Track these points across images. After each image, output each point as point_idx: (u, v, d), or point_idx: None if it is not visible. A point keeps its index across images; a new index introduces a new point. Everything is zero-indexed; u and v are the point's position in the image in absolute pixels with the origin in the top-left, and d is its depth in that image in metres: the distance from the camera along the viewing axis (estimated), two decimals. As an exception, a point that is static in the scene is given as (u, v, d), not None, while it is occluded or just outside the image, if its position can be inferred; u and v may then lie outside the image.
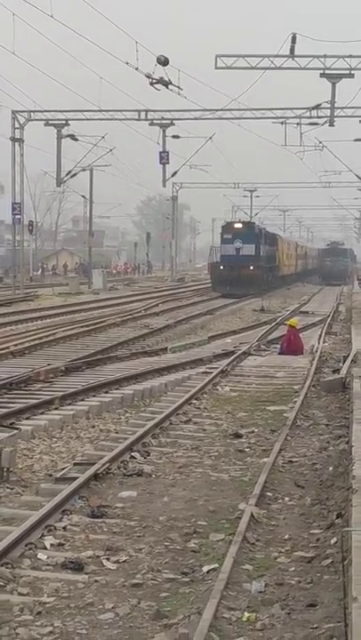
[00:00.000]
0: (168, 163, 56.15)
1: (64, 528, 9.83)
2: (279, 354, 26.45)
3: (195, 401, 18.02)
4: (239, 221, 66.75)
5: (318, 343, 28.17)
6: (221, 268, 60.23)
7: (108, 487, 11.59)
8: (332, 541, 9.17)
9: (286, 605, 7.73)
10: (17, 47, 42.02)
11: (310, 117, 49.17)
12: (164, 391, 19.43)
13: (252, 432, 15.32)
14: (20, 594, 8.02)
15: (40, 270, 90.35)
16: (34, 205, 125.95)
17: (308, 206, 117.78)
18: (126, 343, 27.97)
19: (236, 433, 15.11)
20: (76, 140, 56.07)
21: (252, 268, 59.05)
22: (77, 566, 8.71)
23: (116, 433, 15.01)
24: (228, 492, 11.47)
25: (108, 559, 8.96)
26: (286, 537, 9.69)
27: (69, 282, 65.62)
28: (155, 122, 52.80)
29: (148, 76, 40.15)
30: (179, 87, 42.15)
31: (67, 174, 57.74)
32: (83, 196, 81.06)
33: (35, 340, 28.04)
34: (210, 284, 63.41)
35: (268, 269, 64.82)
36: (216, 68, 42.23)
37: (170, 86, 41.28)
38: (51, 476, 12.08)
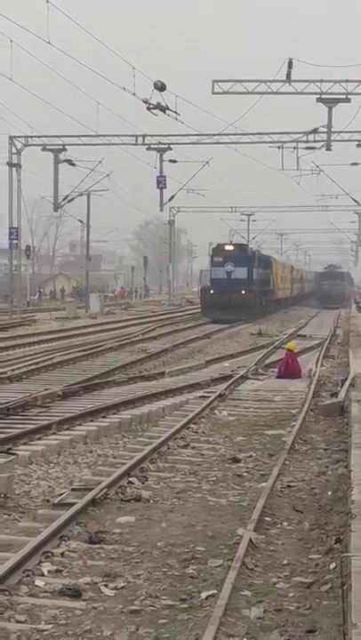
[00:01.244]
0: (165, 187, 56.24)
1: (62, 554, 9.78)
2: (277, 378, 26.43)
3: (193, 425, 17.98)
4: (230, 243, 64.45)
5: (316, 367, 28.16)
6: (212, 292, 58.04)
7: (105, 513, 11.54)
8: (332, 566, 9.13)
9: (285, 631, 7.68)
10: (14, 73, 42.27)
11: (307, 142, 49.46)
12: (161, 415, 19.40)
13: (251, 456, 15.28)
14: (18, 621, 7.96)
15: (37, 295, 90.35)
16: (31, 230, 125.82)
17: (305, 230, 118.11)
18: (124, 367, 27.95)
19: (235, 457, 15.07)
20: (74, 164, 56.30)
21: (243, 292, 57.01)
22: (75, 593, 8.66)
23: (114, 458, 14.96)
24: (226, 518, 11.43)
25: (106, 585, 8.91)
26: (285, 562, 9.64)
27: (66, 306, 65.67)
28: (152, 146, 53.02)
29: (146, 102, 40.38)
30: (176, 112, 42.44)
31: (64, 199, 57.95)
32: (80, 221, 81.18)
33: (32, 364, 28.01)
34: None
35: (261, 293, 62.80)
36: (213, 93, 42.52)
37: (167, 111, 41.53)
38: (48, 501, 12.02)
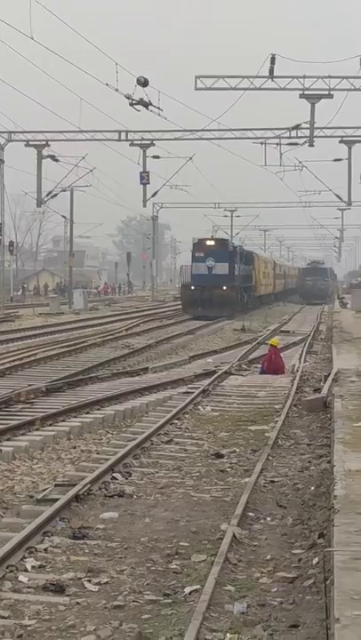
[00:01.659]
0: (149, 183, 56.07)
1: (45, 550, 9.78)
2: (260, 373, 26.47)
3: (176, 421, 18.00)
4: (211, 238, 61.95)
5: (299, 362, 28.22)
6: (192, 288, 56.78)
7: (89, 508, 11.54)
8: (315, 562, 9.16)
9: (269, 626, 7.70)
10: (-3, 68, 42.09)
11: (290, 137, 49.41)
12: (145, 411, 19.40)
13: (234, 452, 15.30)
14: (1, 617, 7.96)
15: (21, 290, 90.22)
16: (14, 226, 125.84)
17: (288, 226, 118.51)
18: (107, 363, 27.94)
19: (218, 453, 15.09)
20: (57, 160, 56.17)
21: (225, 288, 55.72)
22: (59, 588, 8.66)
23: (98, 454, 14.96)
24: (209, 513, 11.44)
25: (89, 581, 8.91)
26: (268, 557, 9.66)
27: (50, 302, 65.59)
28: (135, 142, 52.89)
29: (128, 97, 40.28)
30: (159, 108, 42.36)
31: (47, 195, 57.83)
32: (63, 217, 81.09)
33: (15, 360, 27.97)
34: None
35: (243, 289, 61.79)
36: (196, 88, 42.49)
37: (150, 107, 41.46)
38: (32, 497, 12.02)
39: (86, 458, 14.68)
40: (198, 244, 59.39)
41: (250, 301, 65.59)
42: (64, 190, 62.54)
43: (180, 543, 10.12)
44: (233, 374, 25.95)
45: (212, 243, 59.58)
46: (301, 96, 42.54)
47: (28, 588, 8.69)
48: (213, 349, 34.55)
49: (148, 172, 54.50)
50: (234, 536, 10.00)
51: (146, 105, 41.00)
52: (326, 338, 40.14)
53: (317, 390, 21.25)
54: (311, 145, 45.92)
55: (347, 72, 42.63)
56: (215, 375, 24.44)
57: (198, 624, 7.47)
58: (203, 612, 7.73)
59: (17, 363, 27.28)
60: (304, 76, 42.10)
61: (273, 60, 39.92)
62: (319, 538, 9.79)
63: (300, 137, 48.15)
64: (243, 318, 52.05)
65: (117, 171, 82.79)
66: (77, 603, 8.35)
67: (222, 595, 8.41)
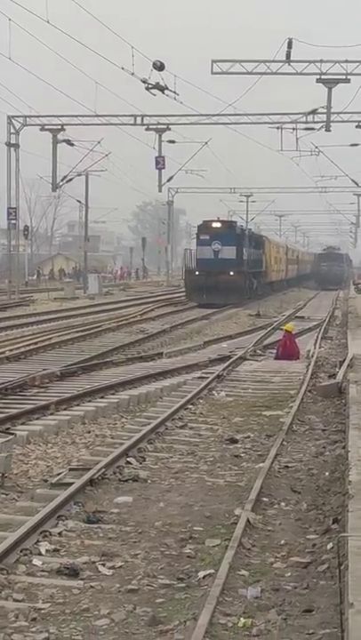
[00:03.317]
0: (164, 168, 55.86)
1: (59, 534, 9.80)
2: (275, 359, 26.44)
3: (190, 406, 18.00)
4: (218, 220, 56.62)
5: (314, 348, 28.17)
6: (197, 273, 52.77)
7: (103, 493, 11.56)
8: (329, 547, 9.15)
9: (282, 611, 7.70)
10: (13, 52, 42.05)
11: (306, 122, 49.24)
12: (159, 396, 19.41)
13: (248, 437, 15.30)
14: (16, 600, 7.99)
15: (36, 275, 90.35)
16: (29, 210, 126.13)
17: (304, 211, 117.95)
18: (122, 348, 27.95)
19: (232, 438, 15.08)
20: (72, 145, 56.07)
21: (232, 273, 51.87)
22: (73, 572, 8.68)
23: (112, 438, 14.98)
24: (223, 498, 11.45)
25: (103, 565, 8.93)
26: (282, 542, 9.66)
27: (65, 287, 65.61)
28: (151, 127, 52.74)
29: (144, 81, 40.19)
30: (175, 92, 42.24)
31: (62, 179, 57.71)
32: (78, 201, 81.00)
33: (30, 344, 28.01)
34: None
35: (252, 275, 58.05)
36: (212, 73, 42.30)
37: (166, 91, 41.36)
38: (46, 481, 12.04)
39: (101, 442, 14.70)
40: (203, 226, 55.37)
41: (260, 288, 61.76)
42: (79, 175, 62.42)
43: (194, 528, 10.13)
44: (248, 359, 25.93)
45: (218, 224, 55.23)
46: (318, 81, 42.30)
47: (43, 571, 8.72)
48: (228, 335, 34.51)
49: (163, 157, 54.33)
50: (248, 521, 10.00)
51: (162, 89, 40.90)
52: (341, 323, 40.04)
53: (332, 376, 21.21)
54: (328, 130, 45.71)
55: (364, 56, 42.37)
56: (230, 360, 24.43)
57: (212, 608, 7.48)
58: (217, 597, 7.73)
59: (32, 347, 27.31)
60: (321, 61, 41.87)
61: (290, 44, 39.70)
62: (334, 523, 9.79)
63: (317, 122, 47.99)
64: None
65: (133, 155, 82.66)
66: (91, 586, 8.37)
67: (236, 579, 8.42)
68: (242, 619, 7.52)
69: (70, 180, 59.17)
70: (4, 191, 57.22)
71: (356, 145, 55.51)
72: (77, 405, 17.40)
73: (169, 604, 8.00)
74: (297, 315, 46.17)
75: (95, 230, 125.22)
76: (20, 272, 62.42)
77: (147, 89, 40.61)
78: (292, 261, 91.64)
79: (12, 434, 14.34)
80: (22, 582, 8.37)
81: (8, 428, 14.77)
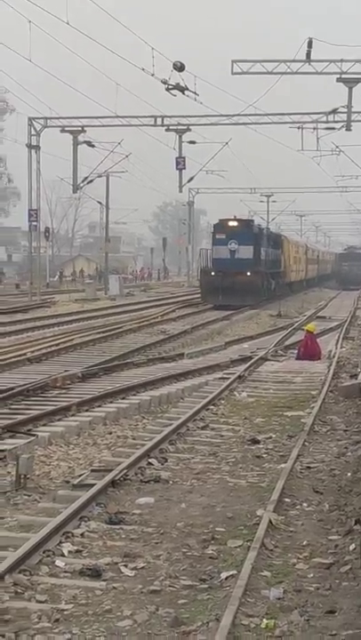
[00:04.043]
0: (184, 168, 55.83)
1: (82, 535, 9.82)
2: (296, 359, 26.39)
3: (212, 407, 17.99)
4: (234, 218, 54.29)
5: (336, 348, 28.10)
6: (213, 274, 51.15)
7: (125, 494, 11.57)
8: (351, 548, 9.14)
9: (305, 612, 7.69)
10: (33, 54, 42.21)
11: (327, 122, 49.17)
12: (180, 397, 19.41)
13: (270, 438, 15.27)
14: (38, 601, 8.01)
15: (58, 276, 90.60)
16: (50, 212, 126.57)
17: (325, 211, 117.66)
18: (143, 349, 27.96)
19: (254, 439, 15.07)
20: (93, 146, 56.21)
21: (249, 274, 50.34)
22: (95, 573, 8.69)
23: (133, 439, 14.99)
24: (245, 499, 11.44)
25: (125, 566, 8.94)
26: (305, 543, 9.65)
27: (86, 288, 65.71)
28: (171, 127, 52.75)
29: (165, 82, 40.27)
30: (195, 93, 42.27)
31: (83, 180, 57.80)
32: (99, 202, 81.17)
33: (51, 346, 28.08)
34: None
35: (269, 275, 56.53)
36: (232, 73, 42.31)
37: (186, 92, 41.41)
38: (68, 482, 12.06)
39: (122, 443, 14.71)
40: (219, 225, 53.74)
41: (278, 289, 59.66)
42: (100, 176, 62.53)
43: (217, 529, 10.12)
44: (269, 360, 25.89)
45: (234, 223, 53.10)
46: (339, 80, 42.25)
47: (65, 572, 8.74)
48: (249, 335, 34.46)
49: (183, 158, 54.33)
50: (270, 522, 9.99)
51: (182, 90, 40.96)
52: (363, 323, 39.97)
53: (354, 376, 21.17)
54: (348, 129, 45.70)
55: (385, 56, 42.29)
56: (251, 361, 24.40)
57: (235, 609, 7.47)
58: (239, 598, 7.73)
59: (53, 349, 27.37)
60: (341, 60, 41.82)
61: (310, 43, 39.71)
62: (356, 524, 9.77)
63: (338, 121, 47.94)
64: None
65: (153, 156, 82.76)
66: (114, 587, 8.39)
67: (259, 580, 8.41)
68: (265, 620, 7.51)
69: (91, 181, 59.23)
70: (26, 193, 57.41)
71: (376, 144, 55.29)
72: (99, 406, 17.41)
73: (191, 605, 8.00)
74: (318, 315, 46.07)
75: (116, 231, 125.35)
76: (41, 274, 62.51)
77: (167, 90, 40.70)
78: (312, 261, 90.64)
79: (34, 435, 14.38)
80: (45, 583, 8.38)
81: (30, 430, 14.81)
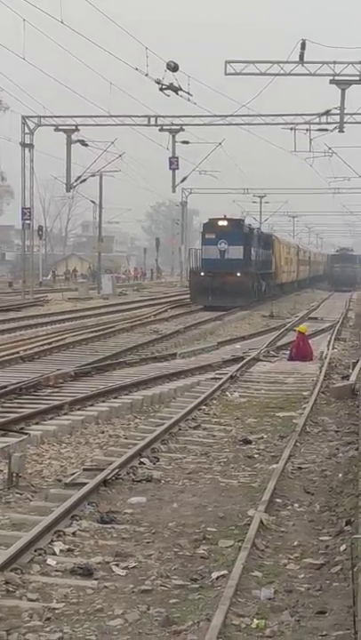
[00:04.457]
0: (178, 168, 55.84)
1: (73, 534, 9.83)
2: (288, 360, 26.42)
3: (204, 407, 18.02)
4: (224, 218, 52.69)
5: (328, 349, 28.14)
6: (202, 274, 50.14)
7: (117, 493, 11.59)
8: (342, 548, 9.16)
9: (296, 612, 7.72)
10: (27, 53, 42.17)
11: (320, 123, 49.28)
12: (173, 397, 19.43)
13: (262, 438, 15.30)
14: (30, 599, 8.02)
15: (51, 275, 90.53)
16: (44, 210, 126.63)
17: (317, 212, 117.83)
18: (135, 349, 27.98)
19: (246, 439, 15.09)
20: (86, 145, 56.23)
21: (239, 274, 49.31)
22: (87, 572, 8.71)
23: (126, 439, 15.01)
24: (237, 499, 11.46)
25: (117, 565, 8.95)
26: (296, 544, 9.68)
27: (79, 287, 65.69)
28: (164, 127, 52.80)
29: (158, 82, 40.30)
30: (188, 93, 42.34)
31: (76, 179, 57.81)
32: (92, 202, 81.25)
33: (44, 345, 28.07)
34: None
35: (260, 276, 55.65)
36: (226, 74, 42.33)
37: (179, 92, 41.47)
38: (60, 481, 12.08)
39: (114, 442, 14.73)
40: (209, 225, 52.39)
41: (268, 290, 59.22)
42: (93, 175, 62.54)
43: (208, 528, 10.15)
44: (261, 360, 25.92)
45: (224, 223, 51.76)
46: (332, 82, 42.31)
47: (57, 571, 8.75)
48: (241, 335, 34.50)
49: (177, 158, 54.38)
50: (261, 522, 10.02)
51: (175, 90, 41.00)
52: (355, 325, 40.05)
53: (346, 377, 21.21)
54: (341, 131, 45.78)
55: (378, 58, 42.31)
56: (243, 361, 24.43)
57: (226, 609, 7.49)
58: (230, 598, 7.75)
59: (46, 347, 27.36)
60: (335, 62, 41.87)
61: (303, 45, 39.74)
62: (347, 525, 9.80)
63: (331, 123, 48.04)
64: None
65: (147, 156, 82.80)
66: (105, 586, 8.40)
67: (249, 580, 8.43)
68: (255, 620, 7.54)
69: (84, 180, 59.28)
70: (19, 191, 57.38)
71: (369, 146, 55.42)
72: (91, 406, 17.43)
73: (182, 604, 8.02)
74: (310, 316, 46.13)
75: (109, 231, 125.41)
76: (34, 272, 62.45)
77: (161, 89, 40.74)
78: (303, 262, 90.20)
79: (26, 434, 14.39)
80: (36, 582, 8.40)
81: (22, 428, 14.82)
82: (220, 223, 51.69)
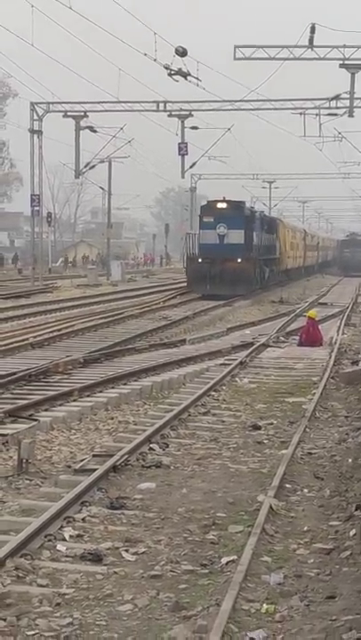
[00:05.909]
0: (187, 154, 55.60)
1: (83, 519, 9.84)
2: (298, 345, 26.41)
3: (213, 393, 18.01)
4: (223, 200, 48.36)
5: (337, 334, 28.11)
6: (200, 261, 46.64)
7: (126, 479, 11.60)
8: (351, 533, 9.16)
9: (305, 597, 7.72)
10: (35, 39, 42.01)
11: (329, 108, 48.96)
12: (182, 383, 19.43)
13: (271, 424, 15.30)
14: (40, 585, 8.04)
15: (62, 261, 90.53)
16: (53, 197, 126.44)
17: (327, 197, 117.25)
18: (145, 335, 27.96)
19: (255, 425, 15.10)
20: (95, 131, 56.03)
21: (240, 260, 45.73)
22: (96, 558, 8.72)
23: (135, 425, 15.02)
24: (246, 484, 11.47)
25: (126, 551, 8.97)
26: (305, 529, 9.68)
27: (88, 273, 65.64)
28: (173, 113, 52.59)
29: (167, 68, 40.14)
30: (197, 78, 42.14)
31: (85, 166, 57.69)
32: (101, 188, 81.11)
33: (53, 331, 28.07)
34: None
35: (262, 263, 51.91)
36: (235, 58, 42.10)
37: (188, 77, 41.28)
38: (69, 467, 12.10)
39: (124, 429, 14.74)
40: (207, 207, 49.23)
41: (272, 277, 55.83)
42: (102, 161, 62.40)
43: (217, 514, 10.15)
44: (270, 346, 25.91)
45: (223, 205, 47.78)
46: (341, 66, 42.07)
47: (66, 557, 8.77)
48: (251, 321, 34.49)
49: (186, 143, 54.18)
50: (271, 507, 10.02)
51: (184, 75, 40.84)
52: (365, 310, 39.97)
53: (355, 362, 21.19)
54: (351, 115, 45.54)
55: (388, 41, 42.08)
56: (253, 347, 24.41)
57: (235, 594, 7.50)
58: (239, 583, 7.76)
59: (55, 334, 27.38)
60: (344, 46, 41.62)
61: (313, 29, 39.51)
62: (356, 510, 9.80)
63: (340, 107, 47.72)
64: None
65: (156, 142, 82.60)
66: (115, 572, 8.42)
67: (259, 565, 8.44)
68: (265, 605, 7.54)
69: (93, 166, 59.12)
70: (28, 178, 57.30)
71: (379, 131, 55.11)
72: (100, 392, 17.44)
73: (192, 589, 8.03)
74: (320, 301, 46.04)
75: (118, 217, 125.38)
76: (43, 259, 62.41)
77: (169, 75, 40.57)
78: (311, 247, 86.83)
79: (36, 420, 14.41)
80: (46, 568, 8.42)
81: (32, 415, 14.84)
82: (219, 205, 48.00)
